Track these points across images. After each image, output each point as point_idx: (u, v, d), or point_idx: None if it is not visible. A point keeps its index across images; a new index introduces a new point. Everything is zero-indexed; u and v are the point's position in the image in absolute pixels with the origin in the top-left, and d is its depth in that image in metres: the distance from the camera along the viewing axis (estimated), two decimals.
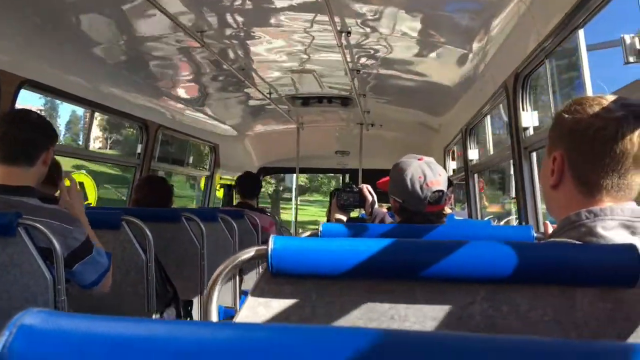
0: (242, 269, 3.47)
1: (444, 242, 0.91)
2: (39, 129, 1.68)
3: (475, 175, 4.01)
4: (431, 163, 1.74)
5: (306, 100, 4.50)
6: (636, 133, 0.92)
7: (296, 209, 6.42)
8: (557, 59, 2.28)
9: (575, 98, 1.05)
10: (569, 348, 0.32)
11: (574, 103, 1.01)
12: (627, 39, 1.44)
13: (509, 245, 0.91)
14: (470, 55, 2.89)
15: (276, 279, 0.91)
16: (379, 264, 0.90)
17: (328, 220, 2.33)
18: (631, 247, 0.82)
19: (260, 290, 0.92)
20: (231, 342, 0.30)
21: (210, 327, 0.32)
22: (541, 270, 0.87)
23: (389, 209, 2.48)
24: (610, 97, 0.98)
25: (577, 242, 0.92)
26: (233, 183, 5.81)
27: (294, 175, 6.03)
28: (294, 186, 6.24)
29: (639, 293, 0.83)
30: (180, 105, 4.20)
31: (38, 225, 1.52)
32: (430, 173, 1.69)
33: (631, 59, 1.45)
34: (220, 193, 6.03)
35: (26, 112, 1.71)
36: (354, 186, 2.28)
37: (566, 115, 1.00)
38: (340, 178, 7.20)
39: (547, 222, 1.51)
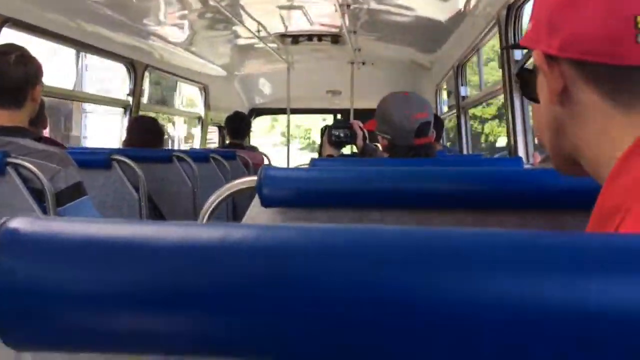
0: (238, 209, 3.49)
1: (432, 169, 0.91)
2: (24, 66, 1.60)
3: (467, 112, 4.01)
4: (415, 96, 1.78)
5: (295, 39, 4.41)
6: None
7: (288, 150, 6.40)
8: None
9: None
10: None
11: None
12: None
13: (497, 172, 0.92)
14: None
15: (267, 209, 0.92)
16: (368, 193, 0.91)
17: (320, 157, 2.33)
18: None
19: (250, 221, 0.93)
20: (244, 239, 0.29)
21: (206, 228, 0.31)
22: (528, 196, 0.88)
23: None
24: None
25: None
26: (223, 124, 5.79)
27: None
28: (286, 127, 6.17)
29: None
30: (167, 45, 4.12)
31: (26, 164, 1.51)
32: (415, 106, 1.72)
33: None
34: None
35: (8, 50, 1.61)
36: (345, 122, 2.28)
37: None
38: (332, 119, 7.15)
39: (536, 152, 1.52)
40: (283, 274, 0.28)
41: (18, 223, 0.30)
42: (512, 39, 2.44)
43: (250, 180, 0.94)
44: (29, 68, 1.63)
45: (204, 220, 0.99)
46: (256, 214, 0.93)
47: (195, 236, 0.29)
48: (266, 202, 0.90)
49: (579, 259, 0.30)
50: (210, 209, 0.95)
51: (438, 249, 0.29)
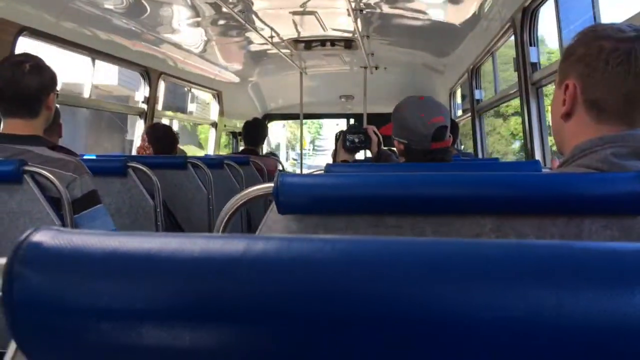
0: (252, 217, 3.49)
1: (450, 174, 0.90)
2: (39, 75, 1.61)
3: (482, 116, 3.98)
4: (432, 100, 1.76)
5: (308, 44, 4.42)
6: None
7: (301, 155, 6.41)
8: None
9: (587, 27, 1.03)
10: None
11: (586, 31, 0.99)
12: None
13: (515, 176, 0.90)
14: None
15: (283, 216, 0.91)
16: (385, 198, 0.90)
17: (334, 162, 2.32)
18: (638, 175, 0.81)
19: (267, 228, 0.93)
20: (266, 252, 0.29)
21: (231, 239, 0.30)
22: (547, 200, 0.86)
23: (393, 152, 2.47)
24: (624, 24, 0.96)
25: (586, 170, 0.91)
26: (237, 130, 5.81)
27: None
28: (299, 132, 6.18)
29: None
30: (181, 52, 4.15)
31: (43, 171, 1.51)
32: (432, 110, 1.70)
33: None
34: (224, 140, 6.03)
35: (23, 59, 1.62)
36: (360, 127, 2.27)
37: (578, 43, 0.99)
38: (345, 123, 7.15)
39: (555, 157, 1.50)
40: (308, 286, 0.27)
41: (41, 236, 0.30)
42: (528, 42, 2.42)
43: (266, 187, 0.93)
44: (44, 77, 1.64)
45: (221, 227, 0.99)
46: (273, 221, 0.92)
47: (219, 248, 0.29)
48: (283, 209, 0.90)
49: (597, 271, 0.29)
50: (227, 216, 0.95)
51: (448, 261, 0.28)
